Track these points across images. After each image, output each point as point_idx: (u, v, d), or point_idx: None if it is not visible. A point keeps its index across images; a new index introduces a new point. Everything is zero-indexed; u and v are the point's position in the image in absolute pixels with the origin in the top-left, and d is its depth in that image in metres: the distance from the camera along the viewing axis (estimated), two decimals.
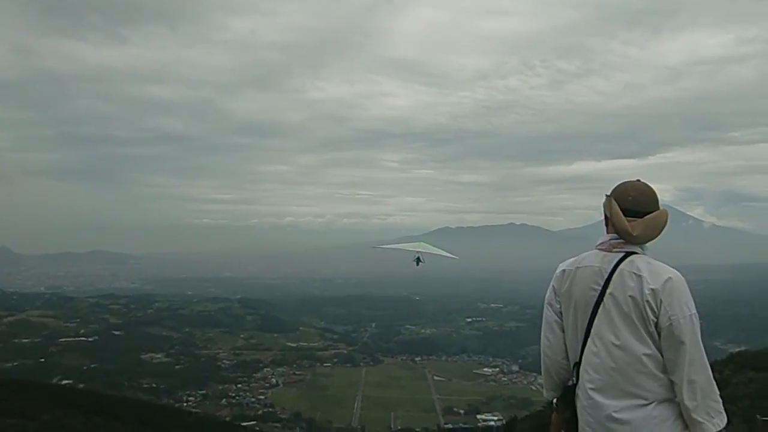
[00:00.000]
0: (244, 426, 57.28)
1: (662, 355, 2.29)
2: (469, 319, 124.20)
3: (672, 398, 2.29)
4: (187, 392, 74.82)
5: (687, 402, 2.25)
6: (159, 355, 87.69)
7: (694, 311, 2.29)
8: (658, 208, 2.48)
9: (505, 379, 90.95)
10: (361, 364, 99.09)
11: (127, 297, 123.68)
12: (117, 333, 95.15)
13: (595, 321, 2.39)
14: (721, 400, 2.34)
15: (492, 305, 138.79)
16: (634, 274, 2.33)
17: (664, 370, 2.29)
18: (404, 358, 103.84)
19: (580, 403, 2.42)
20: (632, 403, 2.28)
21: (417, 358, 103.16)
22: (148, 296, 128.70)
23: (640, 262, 2.36)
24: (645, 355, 2.28)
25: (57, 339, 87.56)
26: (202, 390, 76.56)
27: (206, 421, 49.90)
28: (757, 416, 15.42)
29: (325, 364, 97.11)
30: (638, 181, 2.55)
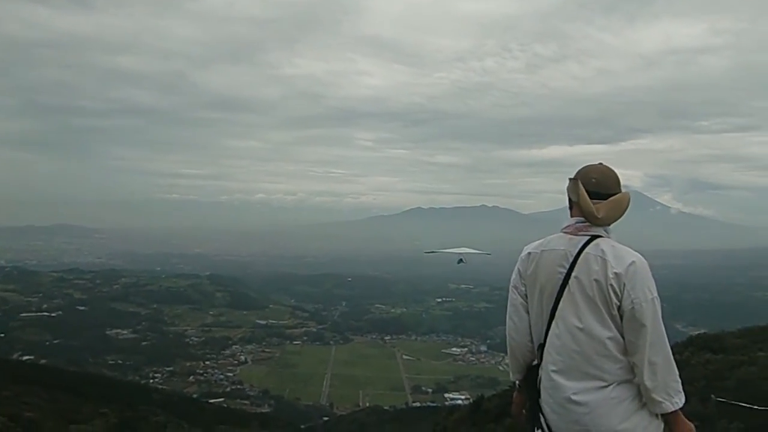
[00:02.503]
0: (211, 403, 56.97)
1: (623, 338, 2.32)
2: (439, 300, 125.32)
3: (630, 379, 2.33)
4: (154, 369, 74.18)
5: (647, 382, 2.29)
6: (125, 332, 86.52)
7: (656, 295, 2.33)
8: (620, 191, 2.51)
9: (473, 358, 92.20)
10: (331, 342, 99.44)
11: (93, 272, 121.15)
12: (81, 308, 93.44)
13: (560, 304, 2.42)
14: (680, 381, 2.39)
15: (462, 286, 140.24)
16: (599, 257, 2.36)
17: (625, 353, 2.33)
18: (374, 336, 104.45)
19: (543, 384, 2.46)
20: (592, 385, 2.33)
21: (386, 337, 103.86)
22: (114, 271, 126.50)
23: (604, 245, 2.39)
24: (607, 338, 2.32)
25: (18, 314, 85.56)
26: (169, 367, 76.01)
27: (173, 398, 49.42)
28: (712, 396, 15.81)
29: (295, 342, 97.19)
30: (600, 164, 2.59)
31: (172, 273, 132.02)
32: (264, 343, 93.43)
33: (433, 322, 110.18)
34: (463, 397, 62.70)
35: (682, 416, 2.39)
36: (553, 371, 2.39)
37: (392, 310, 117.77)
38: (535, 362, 2.53)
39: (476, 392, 38.50)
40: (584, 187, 2.45)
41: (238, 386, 73.71)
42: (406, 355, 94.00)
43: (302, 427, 54.52)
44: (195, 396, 62.54)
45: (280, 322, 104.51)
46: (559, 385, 2.37)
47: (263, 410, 64.02)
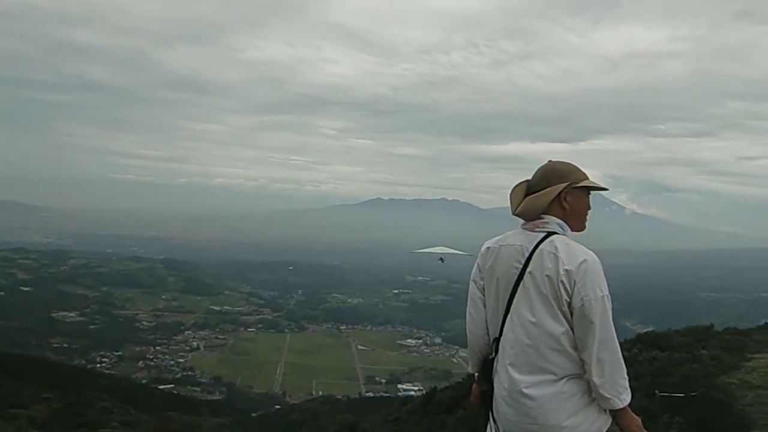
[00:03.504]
0: (161, 389, 56.03)
1: (574, 334, 2.36)
2: (396, 291, 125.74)
3: (581, 374, 2.36)
4: (102, 353, 72.42)
5: (595, 379, 2.32)
6: (72, 314, 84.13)
7: (606, 293, 2.35)
8: (548, 186, 2.52)
9: (428, 350, 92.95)
10: (286, 330, 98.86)
11: (39, 252, 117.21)
12: (26, 289, 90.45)
13: (515, 298, 2.45)
14: (627, 378, 2.40)
15: (419, 278, 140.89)
16: (552, 254, 2.38)
17: (576, 348, 2.36)
18: (329, 326, 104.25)
19: (498, 377, 2.49)
20: (543, 379, 2.35)
21: (342, 327, 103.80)
22: (63, 252, 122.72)
23: (558, 242, 2.42)
24: (560, 333, 2.35)
25: None
26: (117, 351, 74.38)
27: (120, 383, 48.35)
28: (656, 392, 16.21)
29: (249, 329, 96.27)
30: (549, 161, 2.64)
31: (124, 256, 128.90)
32: (217, 330, 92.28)
33: (389, 313, 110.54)
34: (416, 388, 63.19)
35: (630, 412, 2.42)
36: (507, 364, 2.42)
37: (349, 300, 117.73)
38: (492, 355, 2.55)
39: (430, 384, 38.85)
40: (529, 183, 2.57)
41: (190, 373, 72.64)
42: (361, 345, 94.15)
43: (254, 415, 54.13)
44: (144, 382, 61.49)
45: (235, 308, 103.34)
46: (512, 378, 2.39)
47: (214, 397, 63.35)
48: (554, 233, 2.46)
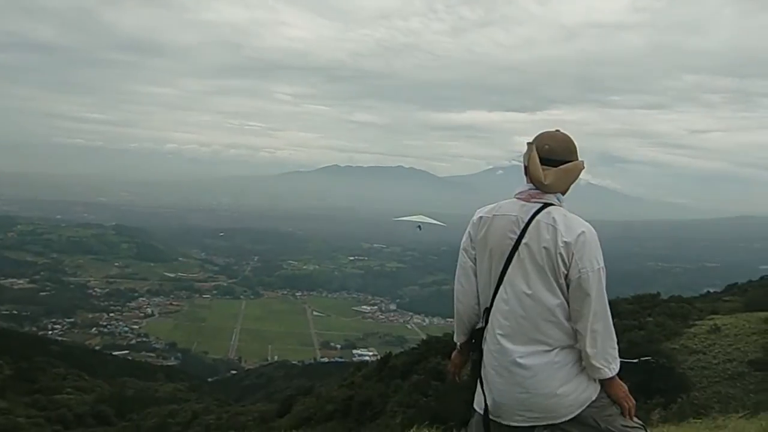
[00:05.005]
0: (115, 355, 55.56)
1: (569, 305, 2.37)
2: (352, 258, 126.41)
3: (573, 345, 2.40)
4: (53, 320, 71.04)
5: (588, 349, 2.35)
6: (21, 281, 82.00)
7: (602, 265, 2.37)
8: (573, 159, 2.49)
9: (383, 317, 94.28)
10: (241, 297, 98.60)
11: None
12: None
13: (509, 269, 2.42)
14: (617, 348, 2.45)
15: (375, 245, 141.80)
16: (550, 225, 2.36)
17: (569, 319, 2.38)
18: (285, 292, 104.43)
19: (488, 347, 2.48)
20: (537, 349, 2.37)
21: (298, 293, 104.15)
22: (9, 218, 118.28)
23: (556, 214, 2.39)
24: (555, 305, 2.36)
25: None
26: (70, 318, 73.06)
27: (73, 349, 47.77)
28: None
29: (204, 296, 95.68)
30: (557, 131, 2.57)
31: (73, 222, 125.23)
32: (172, 296, 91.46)
33: (344, 280, 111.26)
34: (371, 353, 64.17)
35: (618, 380, 2.47)
36: (499, 335, 2.42)
37: (304, 267, 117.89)
38: (480, 325, 2.54)
39: (384, 349, 39.53)
40: (538, 153, 2.44)
41: (144, 339, 72.11)
42: (316, 311, 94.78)
43: (209, 380, 54.30)
44: (97, 348, 60.77)
45: (190, 275, 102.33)
46: (505, 348, 2.40)
47: (169, 363, 63.12)
48: (551, 204, 2.42)
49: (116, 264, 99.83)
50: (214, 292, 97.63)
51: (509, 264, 2.41)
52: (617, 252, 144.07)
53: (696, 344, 18.28)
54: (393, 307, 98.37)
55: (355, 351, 73.68)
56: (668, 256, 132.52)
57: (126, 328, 74.16)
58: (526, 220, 2.40)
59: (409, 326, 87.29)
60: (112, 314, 78.02)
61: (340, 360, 63.68)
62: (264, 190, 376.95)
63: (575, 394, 2.39)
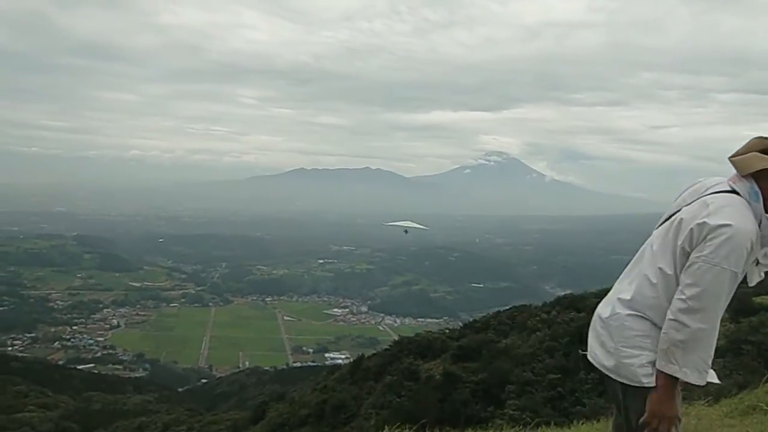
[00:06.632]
0: (80, 369, 54.26)
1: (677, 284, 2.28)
2: (321, 261, 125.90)
3: (657, 321, 2.32)
4: (12, 336, 69.02)
5: (663, 333, 2.24)
6: None
7: (725, 266, 2.17)
8: (751, 152, 2.33)
9: (354, 319, 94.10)
10: (210, 304, 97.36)
11: None
12: None
13: (654, 235, 2.47)
14: (700, 357, 2.23)
15: (344, 247, 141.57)
16: (707, 205, 2.28)
17: (671, 295, 2.28)
18: (255, 298, 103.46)
19: (600, 306, 2.59)
20: (627, 312, 2.37)
21: (268, 299, 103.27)
22: None
23: (722, 200, 2.28)
24: (667, 274, 2.31)
25: None
26: (30, 333, 71.09)
27: (34, 365, 46.50)
28: (579, 351, 17.51)
29: (172, 305, 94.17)
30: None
31: (31, 233, 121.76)
32: (138, 306, 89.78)
33: (314, 283, 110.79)
34: (343, 356, 64.05)
35: (668, 386, 2.23)
36: (617, 298, 2.46)
37: (273, 272, 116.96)
38: None
39: (357, 352, 39.52)
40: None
41: (111, 351, 70.58)
42: (287, 316, 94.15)
43: (180, 390, 53.43)
44: (61, 363, 59.30)
45: (156, 284, 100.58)
46: (612, 308, 2.44)
47: (137, 375, 62.03)
48: (733, 192, 2.29)
49: (78, 275, 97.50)
50: (182, 300, 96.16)
51: (660, 229, 2.48)
52: (584, 247, 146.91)
53: None
54: (364, 309, 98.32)
55: (327, 354, 73.44)
56: (632, 250, 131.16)
57: (91, 341, 72.49)
58: (700, 193, 2.36)
59: (380, 327, 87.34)
60: (75, 327, 76.24)
61: (312, 364, 63.36)
62: (230, 195, 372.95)
63: (637, 361, 2.32)
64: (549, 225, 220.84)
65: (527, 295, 71.00)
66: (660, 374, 2.23)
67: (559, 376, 16.44)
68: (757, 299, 11.71)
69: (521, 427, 5.19)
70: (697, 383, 2.22)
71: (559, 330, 19.63)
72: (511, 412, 12.93)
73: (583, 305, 22.96)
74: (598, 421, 4.85)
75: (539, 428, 4.97)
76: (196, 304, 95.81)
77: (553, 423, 5.26)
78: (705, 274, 2.18)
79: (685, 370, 2.20)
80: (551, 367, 17.44)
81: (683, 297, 2.20)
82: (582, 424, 4.87)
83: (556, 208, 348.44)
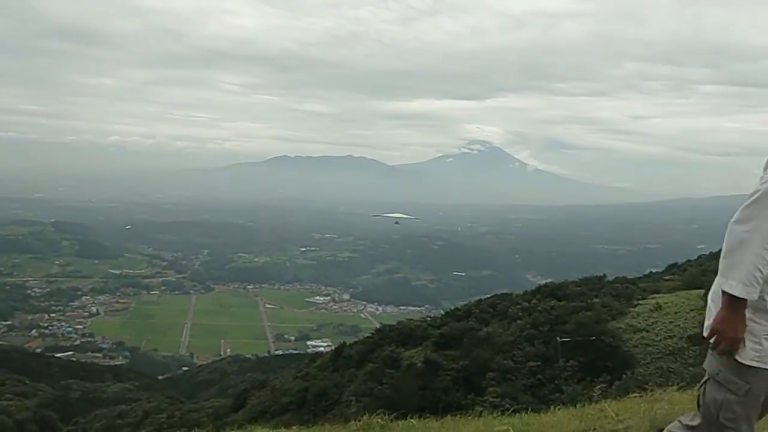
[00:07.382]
0: (58, 357, 53.80)
1: None
2: (303, 249, 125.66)
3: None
4: None
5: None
6: None
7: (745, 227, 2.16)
8: None
9: (336, 307, 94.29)
10: (191, 291, 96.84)
11: None
12: None
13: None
14: (742, 269, 2.17)
15: (326, 235, 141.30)
16: None
17: None
18: (236, 285, 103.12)
19: None
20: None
21: (249, 286, 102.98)
22: None
23: None
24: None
25: None
26: (6, 321, 70.54)
27: (11, 353, 46.04)
28: (557, 338, 17.71)
29: (152, 292, 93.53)
30: None
31: (8, 220, 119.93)
32: (118, 294, 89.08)
33: (297, 271, 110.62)
34: (325, 344, 64.18)
35: (728, 304, 2.19)
36: None
37: (255, 259, 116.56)
38: None
39: (338, 339, 39.63)
40: None
41: (90, 339, 70.04)
42: (269, 303, 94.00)
43: (160, 378, 53.20)
44: (39, 351, 58.74)
45: (136, 271, 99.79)
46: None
47: (117, 363, 61.68)
48: None
49: (57, 262, 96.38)
50: (163, 287, 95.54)
51: None
52: (565, 236, 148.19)
53: (640, 323, 19.03)
54: (346, 296, 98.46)
55: (309, 342, 73.54)
56: (613, 239, 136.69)
57: (69, 329, 71.82)
58: None
59: (362, 315, 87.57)
60: (53, 315, 75.52)
61: (294, 352, 63.43)
62: (213, 182, 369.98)
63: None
64: (531, 214, 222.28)
65: (509, 283, 71.52)
66: (722, 293, 2.20)
67: (539, 363, 16.70)
68: None
69: (500, 413, 5.24)
70: (741, 296, 2.16)
71: (540, 318, 19.90)
72: (491, 399, 13.09)
73: (563, 294, 23.33)
74: (575, 406, 4.90)
75: (516, 414, 5.02)
76: (177, 292, 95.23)
77: (530, 410, 5.31)
78: (761, 188, 2.17)
79: (731, 282, 2.16)
80: (531, 354, 17.68)
81: (738, 211, 2.19)
82: (558, 410, 4.92)
83: (539, 198, 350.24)
